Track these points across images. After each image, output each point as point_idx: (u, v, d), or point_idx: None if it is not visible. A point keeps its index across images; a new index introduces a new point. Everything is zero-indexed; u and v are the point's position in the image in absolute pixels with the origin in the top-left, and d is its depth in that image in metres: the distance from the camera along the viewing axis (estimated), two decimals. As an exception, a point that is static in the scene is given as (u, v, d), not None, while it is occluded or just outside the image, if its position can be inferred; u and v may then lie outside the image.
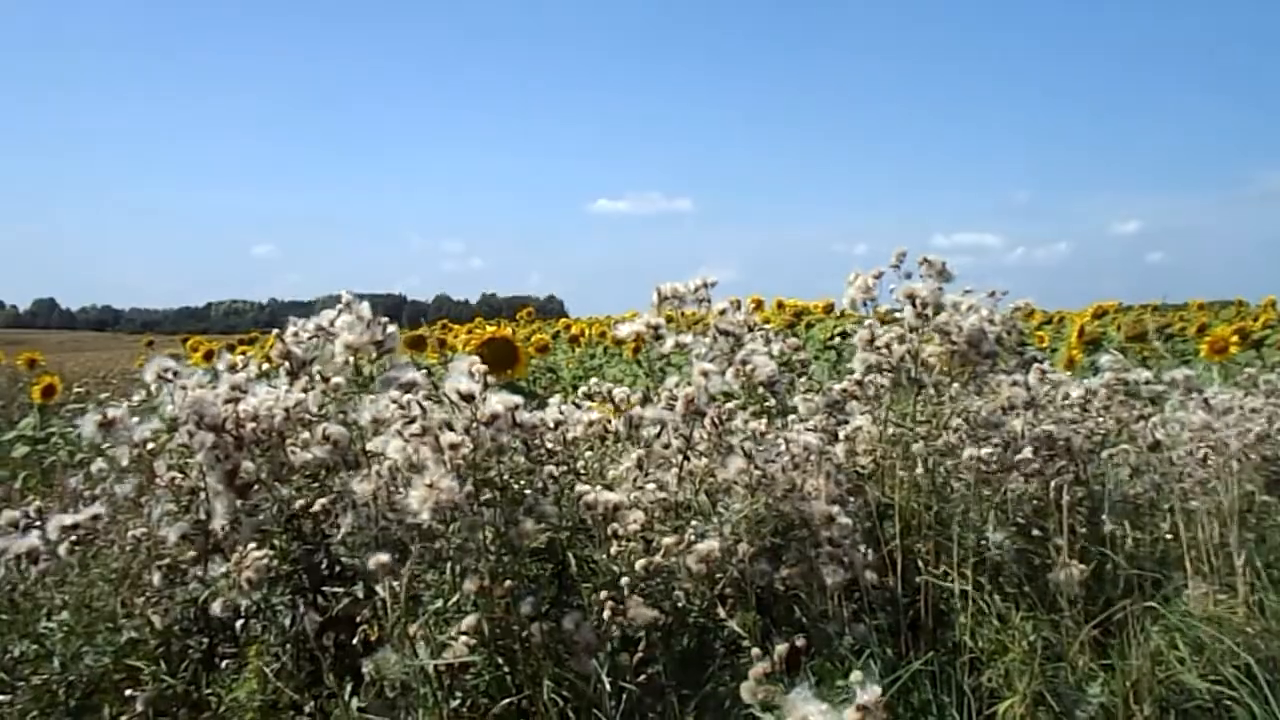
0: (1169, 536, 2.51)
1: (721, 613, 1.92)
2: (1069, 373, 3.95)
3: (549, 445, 1.85)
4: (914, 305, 2.07)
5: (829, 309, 8.58)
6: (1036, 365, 2.48)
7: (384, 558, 1.53)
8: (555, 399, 2.20)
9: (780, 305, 9.31)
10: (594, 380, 2.00)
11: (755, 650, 1.51)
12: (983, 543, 2.24)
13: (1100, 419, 2.72)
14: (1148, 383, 2.86)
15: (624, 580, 1.66)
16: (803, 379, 2.24)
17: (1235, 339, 4.79)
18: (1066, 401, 2.63)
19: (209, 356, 8.96)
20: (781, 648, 1.55)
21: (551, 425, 1.84)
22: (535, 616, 1.61)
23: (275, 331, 1.99)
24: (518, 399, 1.57)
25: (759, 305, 8.15)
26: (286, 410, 1.72)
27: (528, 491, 1.77)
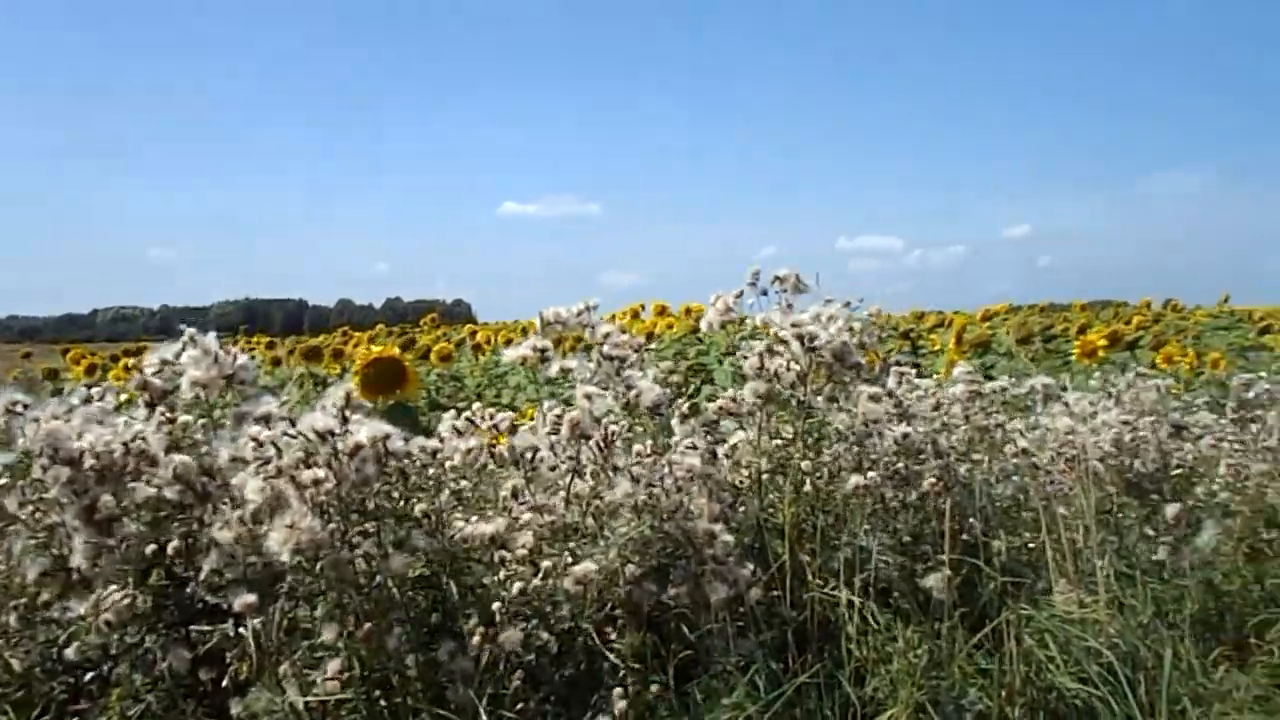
0: (1034, 542, 2.61)
1: (612, 633, 1.92)
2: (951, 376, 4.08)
3: (430, 472, 1.82)
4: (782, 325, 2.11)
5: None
6: (898, 371, 2.57)
7: (250, 598, 1.48)
8: (449, 416, 2.17)
9: (687, 311, 9.38)
10: (476, 405, 1.98)
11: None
12: (865, 554, 2.29)
13: (963, 426, 2.82)
14: (1004, 390, 2.98)
15: (495, 605, 1.65)
16: (680, 400, 2.25)
17: (1104, 343, 5.02)
18: (932, 408, 2.72)
19: (91, 371, 8.56)
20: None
21: (429, 453, 1.81)
22: (407, 650, 1.58)
23: (132, 361, 1.91)
24: (387, 429, 1.53)
25: (663, 311, 8.19)
26: (125, 445, 1.65)
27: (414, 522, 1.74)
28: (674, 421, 2.14)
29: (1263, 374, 3.73)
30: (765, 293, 2.64)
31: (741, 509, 2.33)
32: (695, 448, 2.10)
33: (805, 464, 2.17)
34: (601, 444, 1.85)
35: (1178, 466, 3.23)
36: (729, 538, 1.88)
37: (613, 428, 1.83)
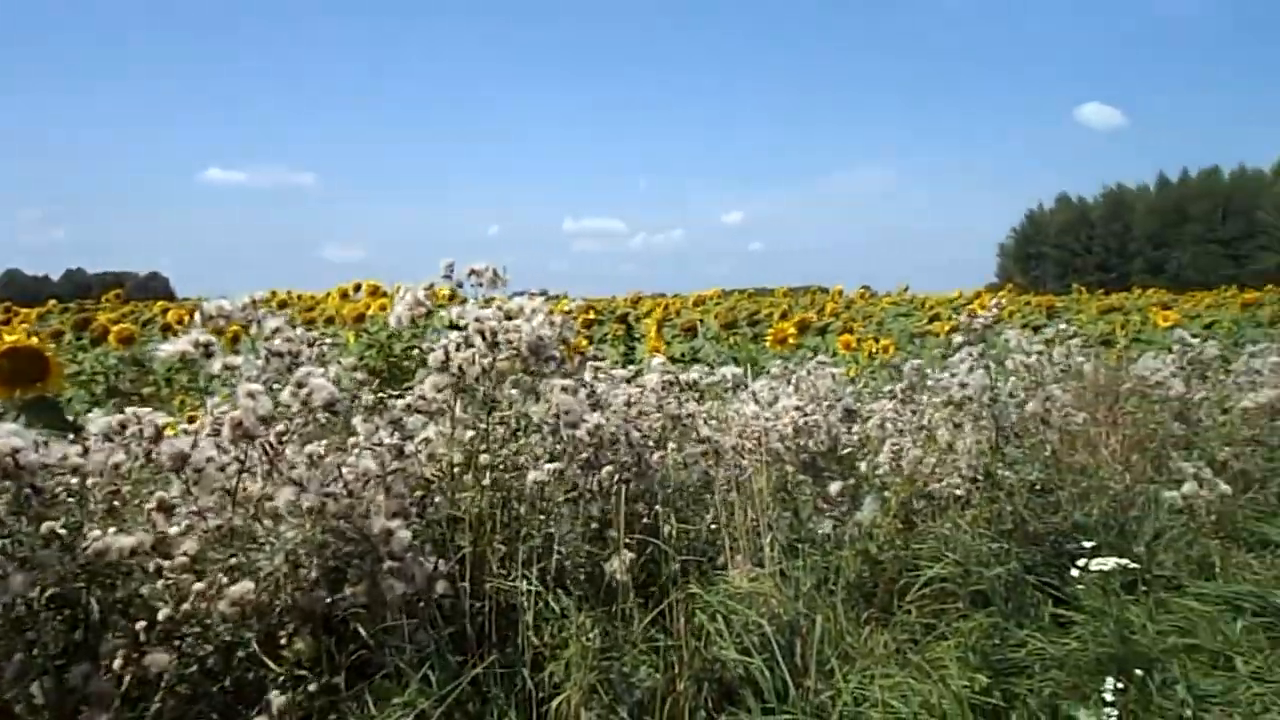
0: (716, 524, 2.78)
1: (283, 638, 1.86)
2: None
3: (72, 481, 1.67)
4: (476, 321, 2.12)
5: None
6: (593, 366, 2.66)
7: None
8: (97, 415, 1.99)
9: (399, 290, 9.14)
10: (131, 410, 1.83)
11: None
12: (549, 543, 2.36)
13: (656, 414, 2.96)
14: (700, 379, 3.16)
15: (140, 625, 1.55)
16: (364, 394, 2.21)
17: (794, 331, 5.43)
18: (626, 397, 2.83)
19: None
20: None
21: (69, 463, 1.66)
22: (32, 675, 1.45)
23: None
24: (16, 441, 1.40)
25: (376, 291, 7.95)
26: None
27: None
28: (356, 419, 2.09)
29: (919, 359, 4.15)
30: (460, 286, 2.65)
31: (437, 502, 2.33)
32: (377, 446, 2.07)
33: (485, 457, 2.19)
34: (270, 445, 1.78)
35: (846, 447, 3.56)
36: (406, 534, 1.88)
37: (279, 427, 1.76)
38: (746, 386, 3.39)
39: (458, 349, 2.17)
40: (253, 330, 1.96)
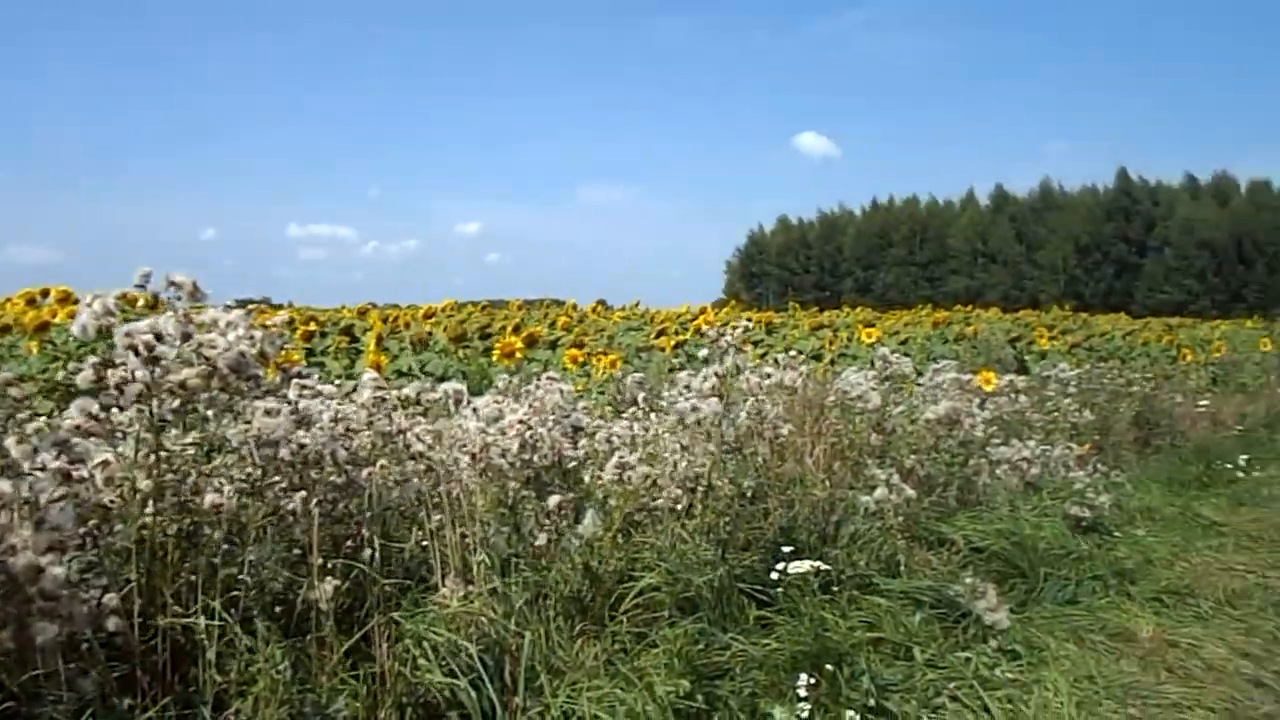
0: (428, 543, 2.72)
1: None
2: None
3: None
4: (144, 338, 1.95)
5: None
6: (299, 384, 2.53)
7: None
8: None
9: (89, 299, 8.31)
10: None
11: None
12: (251, 570, 2.21)
13: (366, 433, 2.86)
14: (417, 394, 3.08)
15: None
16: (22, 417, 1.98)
17: (521, 345, 5.43)
18: (332, 418, 2.71)
19: None
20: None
21: None
22: None
23: None
24: None
25: (67, 298, 7.17)
26: None
27: None
28: (9, 441, 1.86)
29: (639, 374, 4.26)
30: (156, 296, 2.44)
31: (117, 531, 2.12)
32: (38, 470, 1.85)
33: (169, 478, 2.02)
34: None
35: (571, 461, 3.58)
36: (59, 570, 1.68)
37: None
38: (468, 402, 3.34)
39: (107, 366, 1.97)
40: None
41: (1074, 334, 13.01)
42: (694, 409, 3.48)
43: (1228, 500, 6.19)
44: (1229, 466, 6.95)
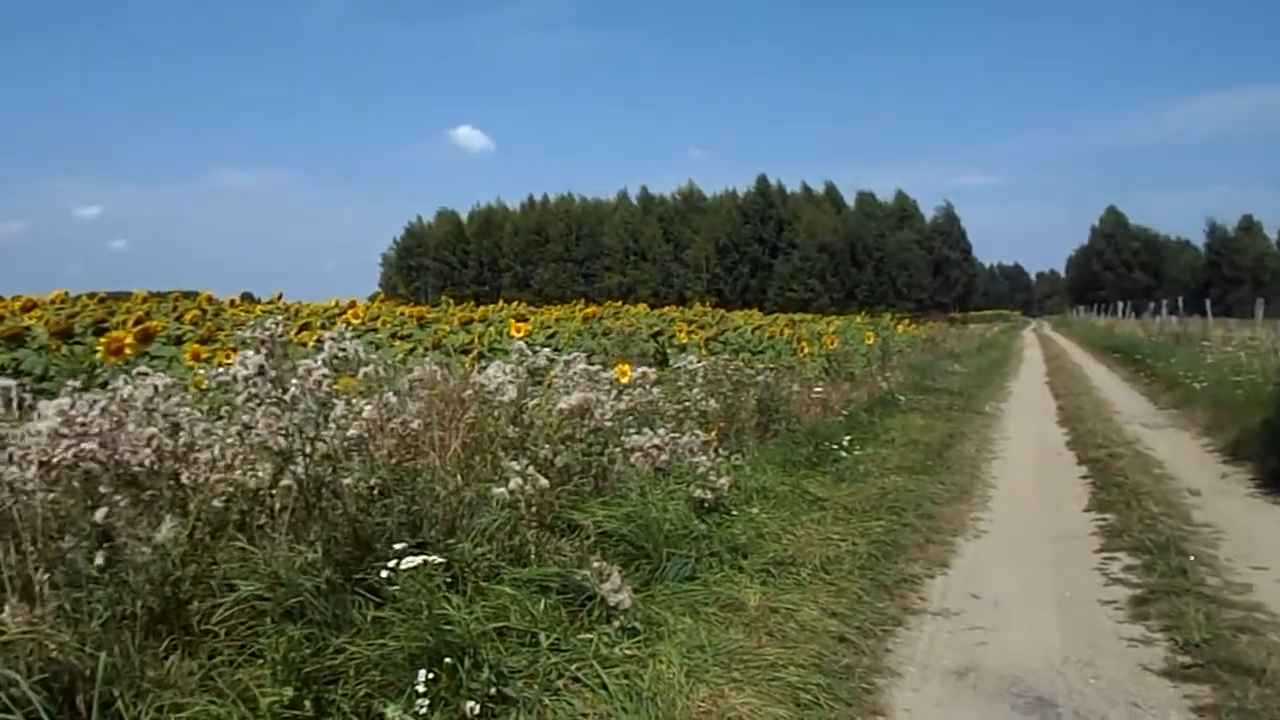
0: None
1: None
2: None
3: None
4: None
5: None
6: None
7: None
8: None
9: None
10: None
11: None
12: None
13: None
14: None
15: None
16: None
17: (132, 340, 4.91)
18: None
19: None
20: None
21: None
22: None
23: None
24: None
25: None
26: None
27: None
28: None
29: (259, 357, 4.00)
30: None
31: None
32: None
33: None
34: None
35: (168, 459, 3.29)
36: None
37: None
38: (32, 406, 2.97)
39: None
40: None
41: (710, 329, 13.99)
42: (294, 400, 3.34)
43: (831, 478, 6.89)
44: (835, 447, 7.74)
